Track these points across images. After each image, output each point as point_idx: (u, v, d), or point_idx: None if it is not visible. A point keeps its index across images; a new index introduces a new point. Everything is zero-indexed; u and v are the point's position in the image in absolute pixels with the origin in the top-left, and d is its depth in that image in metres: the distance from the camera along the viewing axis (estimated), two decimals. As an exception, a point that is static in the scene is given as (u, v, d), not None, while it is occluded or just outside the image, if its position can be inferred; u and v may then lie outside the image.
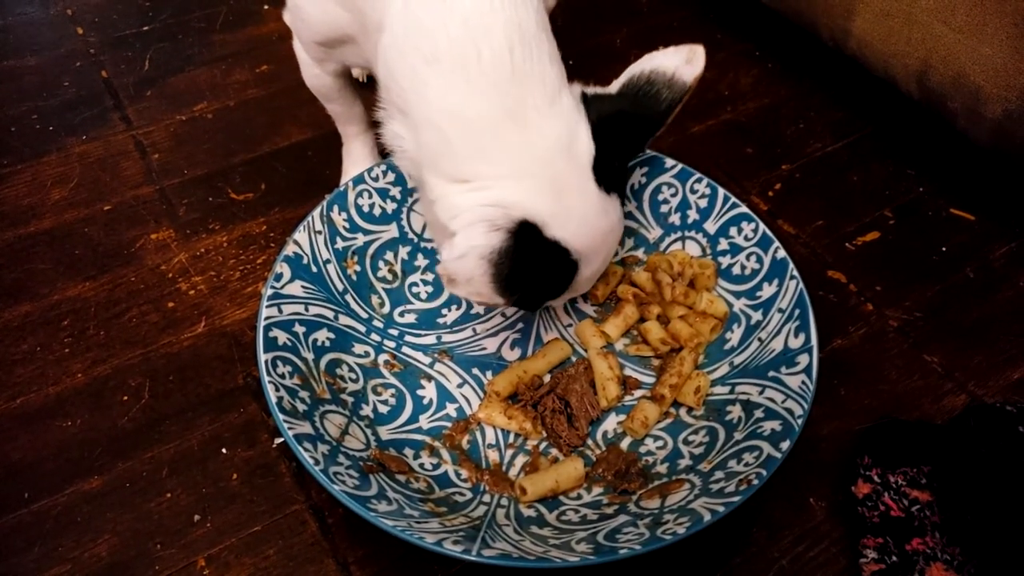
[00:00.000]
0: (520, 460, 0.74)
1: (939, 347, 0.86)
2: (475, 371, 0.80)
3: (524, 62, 0.62)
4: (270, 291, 0.73)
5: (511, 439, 0.75)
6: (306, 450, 0.62)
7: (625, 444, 0.74)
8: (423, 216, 0.75)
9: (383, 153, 0.96)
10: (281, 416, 0.64)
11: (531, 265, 0.63)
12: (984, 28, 0.87)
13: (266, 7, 1.30)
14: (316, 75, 0.85)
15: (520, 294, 0.64)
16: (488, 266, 0.60)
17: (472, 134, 0.62)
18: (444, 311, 0.84)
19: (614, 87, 0.70)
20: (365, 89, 0.94)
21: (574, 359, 0.81)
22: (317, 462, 0.62)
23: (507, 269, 0.61)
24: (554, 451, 0.74)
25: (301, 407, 0.67)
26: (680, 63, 0.68)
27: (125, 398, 0.79)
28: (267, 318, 0.71)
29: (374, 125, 0.94)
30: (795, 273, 0.77)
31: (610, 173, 0.67)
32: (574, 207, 0.65)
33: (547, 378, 0.79)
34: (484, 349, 0.82)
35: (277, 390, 0.66)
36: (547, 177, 0.63)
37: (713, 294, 0.82)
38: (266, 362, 0.68)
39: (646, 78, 0.69)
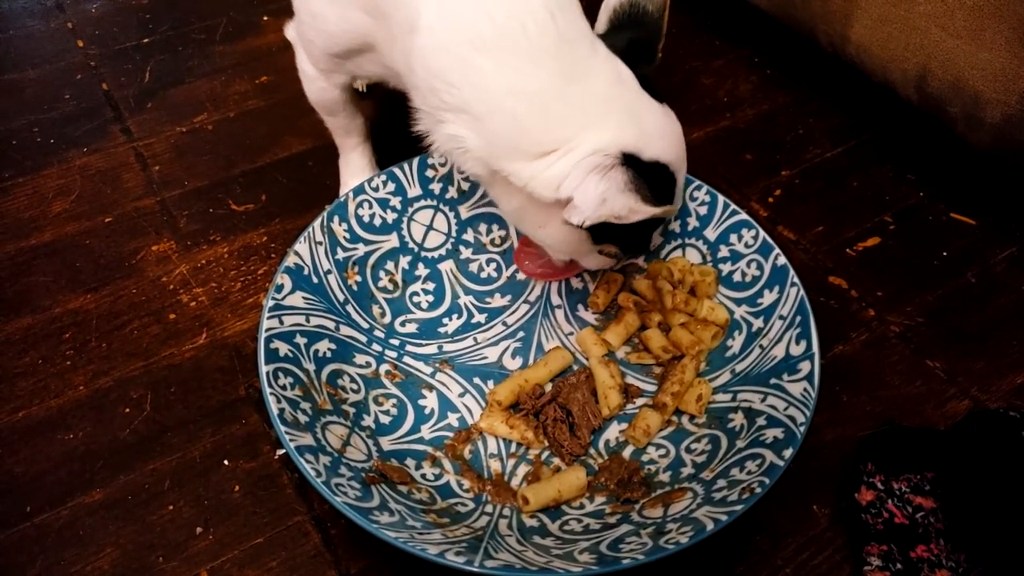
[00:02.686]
0: (522, 470, 0.74)
1: (941, 352, 0.86)
2: (476, 380, 0.80)
3: (566, 23, 0.65)
4: (271, 302, 0.73)
5: (513, 449, 0.75)
6: (308, 462, 0.62)
7: (627, 453, 0.74)
8: (505, 207, 0.74)
9: (380, 164, 0.97)
10: (283, 428, 0.64)
11: (650, 184, 0.64)
12: (982, 33, 0.87)
13: (266, 18, 1.31)
14: (322, 88, 0.85)
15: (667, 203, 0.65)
16: (633, 193, 0.62)
17: (541, 105, 0.64)
18: (445, 321, 0.84)
19: (603, 26, 0.74)
20: (363, 100, 0.94)
21: (575, 368, 0.81)
22: (319, 474, 0.62)
23: (645, 187, 0.63)
24: (556, 460, 0.74)
25: (303, 418, 0.67)
26: None
27: (127, 410, 0.79)
28: (268, 329, 0.71)
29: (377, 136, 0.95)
30: (796, 280, 0.77)
31: (650, 88, 0.70)
32: (651, 127, 0.68)
33: (549, 387, 0.79)
34: (485, 358, 0.82)
35: (279, 401, 0.66)
36: (619, 112, 0.66)
37: (714, 301, 0.82)
38: (267, 374, 0.68)
39: (627, 4, 0.73)
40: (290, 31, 0.86)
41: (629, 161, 0.64)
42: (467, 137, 0.66)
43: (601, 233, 0.69)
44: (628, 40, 0.72)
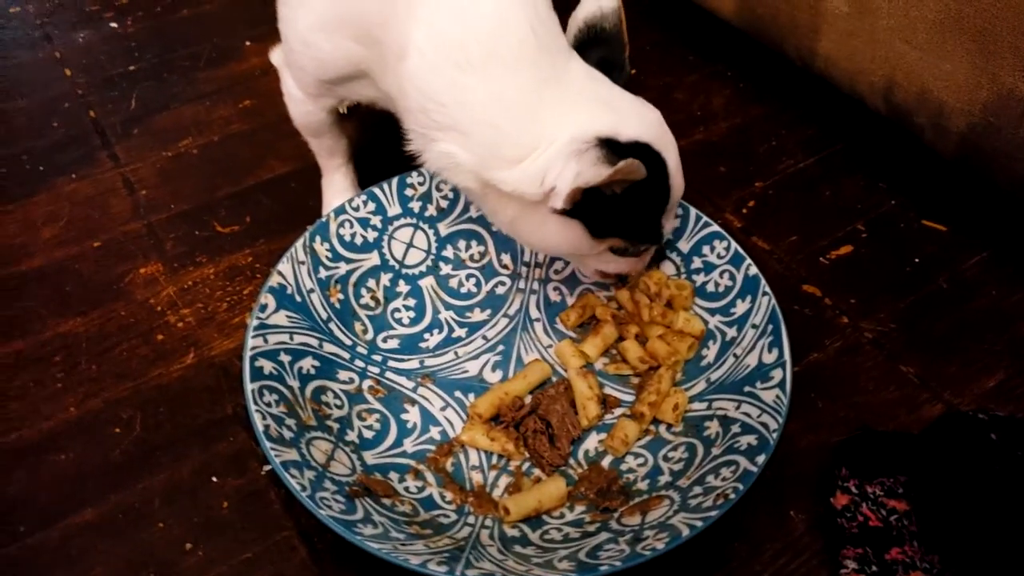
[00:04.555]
0: (503, 481, 0.75)
1: (914, 358, 0.88)
2: (458, 394, 0.81)
3: (546, 35, 0.70)
4: (255, 321, 0.75)
5: (494, 460, 0.77)
6: (293, 476, 0.64)
7: (606, 462, 0.76)
8: (502, 219, 0.76)
9: (361, 184, 0.99)
10: (268, 444, 0.66)
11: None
12: (944, 45, 0.90)
13: (248, 43, 1.33)
14: (308, 112, 0.87)
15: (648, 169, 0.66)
16: (604, 164, 0.64)
17: (520, 111, 0.68)
18: (426, 336, 0.86)
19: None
20: (345, 122, 0.96)
21: (554, 379, 0.83)
22: (304, 488, 0.63)
23: (618, 157, 0.64)
24: (537, 471, 0.76)
25: (287, 434, 0.68)
26: (594, 2, 0.76)
27: (117, 430, 0.81)
28: (253, 348, 0.73)
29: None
30: (767, 289, 0.79)
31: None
32: (626, 111, 0.71)
33: (528, 399, 0.81)
34: (466, 372, 0.84)
35: (264, 418, 0.68)
36: (592, 103, 0.70)
37: (690, 312, 0.84)
38: (253, 391, 0.69)
39: (587, 28, 0.77)
40: (275, 56, 0.88)
41: (607, 144, 0.66)
42: (457, 153, 0.69)
43: (598, 226, 0.71)
44: (598, 59, 0.75)
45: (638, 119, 0.71)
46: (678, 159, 0.74)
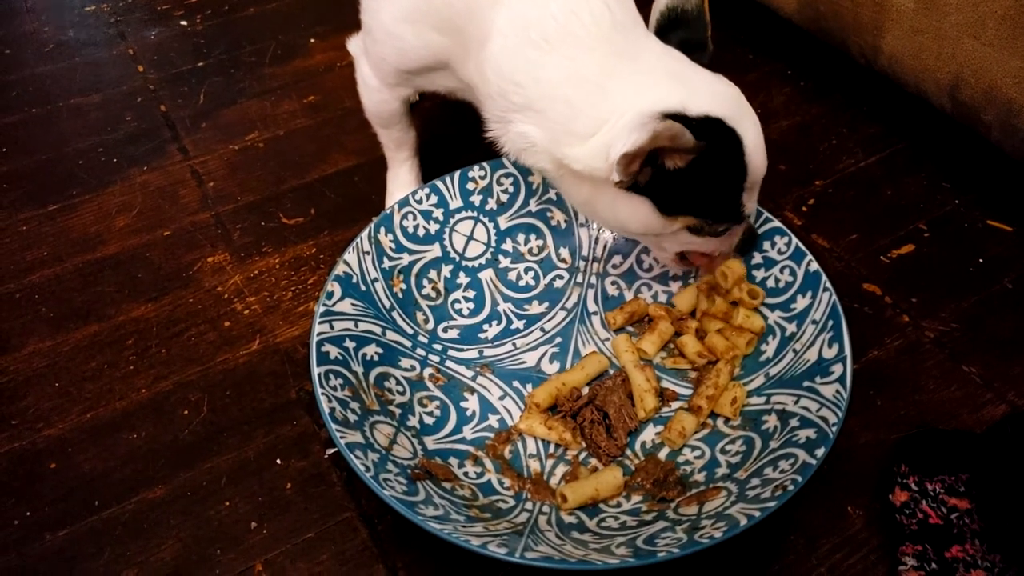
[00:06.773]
0: (560, 469, 0.76)
1: (977, 358, 0.87)
2: (516, 384, 0.83)
3: (621, 12, 0.71)
4: (322, 308, 0.77)
5: (551, 449, 0.78)
6: (357, 458, 0.66)
7: (663, 454, 0.76)
8: (576, 200, 0.77)
9: (425, 177, 1.01)
10: (333, 426, 0.68)
11: (701, 134, 0.65)
12: (1014, 41, 0.88)
13: (312, 40, 1.36)
14: (384, 101, 0.89)
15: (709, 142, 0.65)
16: (662, 124, 0.62)
17: (593, 86, 0.69)
18: (485, 327, 0.88)
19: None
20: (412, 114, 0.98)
21: (612, 371, 0.83)
22: (368, 469, 0.65)
23: (679, 125, 0.63)
24: (593, 461, 0.77)
25: (352, 417, 0.70)
26: None
27: (186, 412, 0.84)
28: (319, 334, 0.75)
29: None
30: (828, 285, 0.79)
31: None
32: (699, 87, 0.70)
33: (585, 390, 0.82)
34: (524, 363, 0.85)
35: (329, 401, 0.70)
36: (664, 77, 0.70)
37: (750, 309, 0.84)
38: (319, 375, 0.72)
39: (668, 12, 0.76)
40: (353, 45, 0.90)
41: (675, 118, 0.64)
42: (531, 133, 0.71)
43: (667, 203, 0.71)
44: (679, 40, 0.75)
45: (711, 94, 0.69)
46: (759, 135, 0.71)
